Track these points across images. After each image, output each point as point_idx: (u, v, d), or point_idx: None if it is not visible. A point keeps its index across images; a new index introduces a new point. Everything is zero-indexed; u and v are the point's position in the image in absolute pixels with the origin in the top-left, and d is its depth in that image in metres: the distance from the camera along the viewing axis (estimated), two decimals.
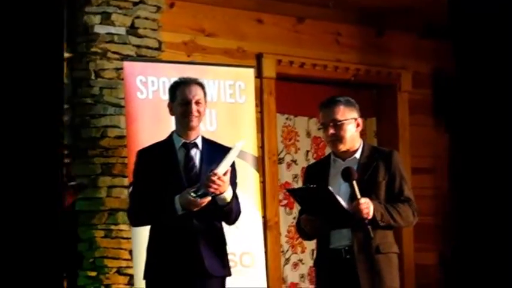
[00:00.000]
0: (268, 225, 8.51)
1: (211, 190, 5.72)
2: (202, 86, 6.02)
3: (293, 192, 6.33)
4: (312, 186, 5.95)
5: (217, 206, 5.89)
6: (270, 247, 8.43)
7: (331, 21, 9.21)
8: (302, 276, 9.20)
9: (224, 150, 5.92)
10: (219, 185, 5.73)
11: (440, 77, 9.89)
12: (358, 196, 5.81)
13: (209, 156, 5.98)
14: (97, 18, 7.53)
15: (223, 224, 6.12)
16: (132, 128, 7.26)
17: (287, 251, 9.09)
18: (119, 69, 7.49)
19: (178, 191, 5.82)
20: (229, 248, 6.27)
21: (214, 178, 5.69)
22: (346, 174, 5.90)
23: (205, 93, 6.03)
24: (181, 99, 5.92)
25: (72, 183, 6.88)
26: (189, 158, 5.98)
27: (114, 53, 7.56)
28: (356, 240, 5.94)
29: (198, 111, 5.92)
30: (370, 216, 5.82)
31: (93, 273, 7.37)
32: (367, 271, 5.96)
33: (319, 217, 5.99)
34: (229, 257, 6.83)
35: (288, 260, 9.10)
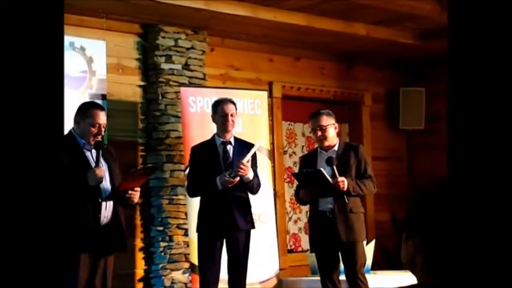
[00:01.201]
0: (277, 195, 8.47)
1: (240, 173, 5.85)
2: (234, 103, 6.19)
3: (297, 175, 6.39)
4: (310, 170, 6.01)
5: (244, 183, 5.95)
6: (278, 209, 8.38)
7: (318, 59, 9.17)
8: (300, 228, 9.16)
9: (248, 145, 6.12)
10: (244, 170, 5.83)
11: (390, 95, 9.84)
12: (337, 175, 5.86)
13: (239, 150, 6.12)
14: (163, 59, 7.50)
15: (249, 194, 6.17)
16: (186, 131, 7.24)
17: (290, 212, 9.05)
18: (177, 93, 7.43)
19: (219, 174, 5.94)
20: (252, 210, 6.28)
21: (241, 165, 5.83)
22: (329, 161, 5.97)
23: (236, 108, 6.12)
24: (222, 113, 6.08)
25: (149, 165, 6.86)
26: (226, 151, 6.12)
27: (174, 82, 7.51)
28: (336, 204, 6.02)
29: (232, 121, 6.09)
30: (345, 189, 5.88)
31: (161, 228, 7.33)
32: (344, 225, 6.01)
33: (313, 189, 6.02)
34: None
35: (290, 218, 9.06)
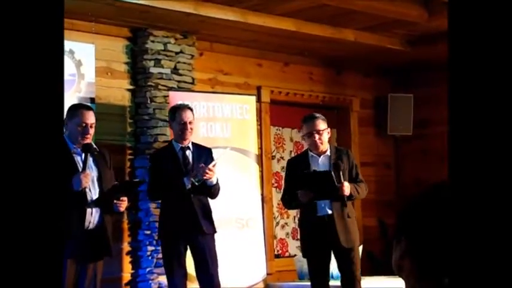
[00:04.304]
0: (265, 200, 8.47)
1: (205, 177, 5.98)
2: (192, 110, 6.27)
3: (305, 175, 6.19)
4: (319, 171, 6.10)
5: (207, 187, 6.09)
6: (266, 214, 8.39)
7: (306, 65, 9.20)
8: (287, 233, 9.15)
9: (207, 150, 6.31)
10: (209, 174, 5.99)
11: (378, 101, 9.87)
12: (342, 180, 5.92)
13: (198, 155, 6.23)
14: (152, 63, 7.50)
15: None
16: None
17: (277, 217, 9.05)
18: (166, 97, 7.43)
19: (181, 177, 6.03)
20: (239, 215, 6.31)
21: (207, 170, 5.96)
22: (337, 166, 6.03)
23: (193, 115, 6.29)
24: (179, 120, 6.15)
25: (136, 180, 6.89)
26: (185, 157, 6.25)
27: (163, 86, 7.51)
28: (335, 210, 6.02)
29: (191, 128, 6.19)
30: (348, 193, 5.92)
31: (148, 232, 7.32)
32: (343, 231, 6.06)
33: (314, 191, 6.01)
34: (239, 221, 6.92)
35: (277, 223, 9.05)
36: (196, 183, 5.99)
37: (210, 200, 6.25)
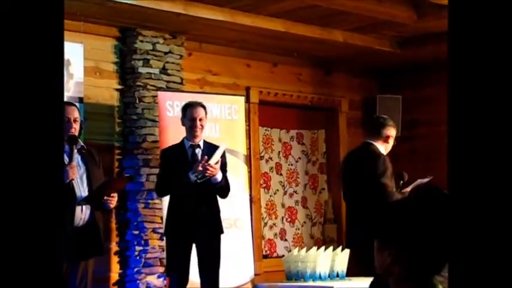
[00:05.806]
0: (253, 201, 8.46)
1: (207, 174, 5.91)
2: (204, 107, 6.25)
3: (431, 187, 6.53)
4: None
5: (212, 185, 6.01)
6: (254, 214, 8.39)
7: (295, 65, 9.20)
8: (275, 234, 9.14)
9: (216, 149, 6.11)
10: (211, 171, 5.90)
11: (367, 102, 9.86)
12: None
13: (208, 153, 6.09)
14: (140, 63, 7.49)
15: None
16: (163, 135, 7.24)
17: (265, 217, 9.04)
18: (154, 97, 7.43)
19: (188, 175, 5.96)
20: (227, 215, 6.26)
21: (208, 166, 5.88)
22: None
23: (206, 112, 6.19)
24: (190, 117, 6.11)
25: (127, 174, 6.88)
26: (194, 155, 6.16)
27: (151, 86, 7.51)
28: None
29: (201, 125, 6.12)
30: None
31: (137, 232, 7.32)
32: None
33: None
34: (227, 221, 6.87)
35: (266, 223, 9.04)
36: (198, 181, 5.91)
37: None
